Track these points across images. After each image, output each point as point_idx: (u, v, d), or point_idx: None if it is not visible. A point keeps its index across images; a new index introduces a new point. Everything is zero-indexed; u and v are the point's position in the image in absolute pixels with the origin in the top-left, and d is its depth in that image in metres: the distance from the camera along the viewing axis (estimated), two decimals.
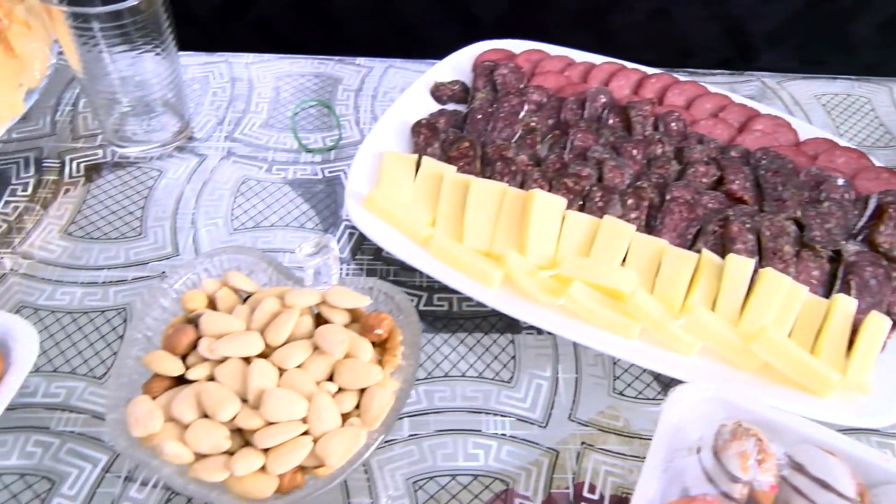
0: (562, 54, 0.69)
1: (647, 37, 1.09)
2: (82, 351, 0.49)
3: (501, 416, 0.47)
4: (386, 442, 0.45)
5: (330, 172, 0.61)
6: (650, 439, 0.44)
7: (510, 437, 0.46)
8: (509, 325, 0.51)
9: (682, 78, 0.66)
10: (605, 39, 1.03)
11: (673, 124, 0.62)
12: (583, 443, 0.45)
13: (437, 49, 0.98)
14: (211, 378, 0.42)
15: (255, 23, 0.91)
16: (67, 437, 0.44)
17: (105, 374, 0.47)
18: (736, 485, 0.37)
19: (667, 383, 0.49)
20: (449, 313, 0.52)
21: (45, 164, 0.60)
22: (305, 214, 0.58)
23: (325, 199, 0.59)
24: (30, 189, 0.58)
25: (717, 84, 0.66)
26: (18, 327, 0.44)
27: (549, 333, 0.51)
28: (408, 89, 0.64)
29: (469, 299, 0.53)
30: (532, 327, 0.51)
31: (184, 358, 0.43)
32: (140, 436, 0.39)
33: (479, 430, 0.46)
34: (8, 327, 0.44)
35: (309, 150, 0.63)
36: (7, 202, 0.57)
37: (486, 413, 0.47)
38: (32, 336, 0.44)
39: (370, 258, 0.55)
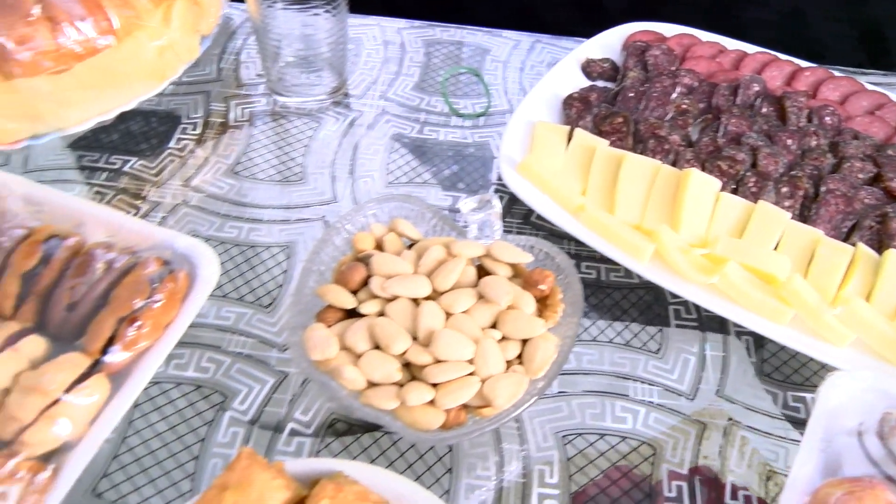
0: (713, 41, 0.69)
1: (778, 35, 1.06)
2: (249, 281, 0.51)
3: (649, 384, 0.47)
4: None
5: (479, 137, 0.62)
6: (797, 421, 0.44)
7: (657, 404, 0.46)
8: (656, 299, 0.52)
9: (836, 73, 0.65)
10: (734, 35, 1.02)
11: (827, 118, 0.61)
12: (730, 419, 0.46)
13: (560, 31, 0.99)
14: (381, 314, 0.44)
15: None
16: (237, 358, 0.47)
17: (271, 304, 0.50)
18: None
19: (815, 371, 0.48)
20: (597, 281, 0.53)
21: (212, 108, 0.63)
22: (456, 175, 0.59)
23: (475, 161, 0.60)
24: (199, 129, 0.61)
25: (870, 84, 0.64)
26: (203, 251, 0.46)
27: (696, 310, 0.51)
28: (559, 63, 0.65)
29: (616, 269, 0.53)
30: (677, 303, 0.51)
31: (353, 293, 0.45)
32: (317, 359, 0.42)
33: (627, 395, 0.47)
34: (194, 251, 0.46)
35: (459, 115, 0.64)
36: (179, 139, 0.60)
37: (634, 380, 0.47)
38: (215, 261, 0.46)
39: (519, 222, 0.56)
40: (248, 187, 0.57)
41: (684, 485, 0.43)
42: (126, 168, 0.58)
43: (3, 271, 0.44)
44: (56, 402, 0.39)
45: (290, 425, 0.44)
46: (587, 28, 0.85)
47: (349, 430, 0.45)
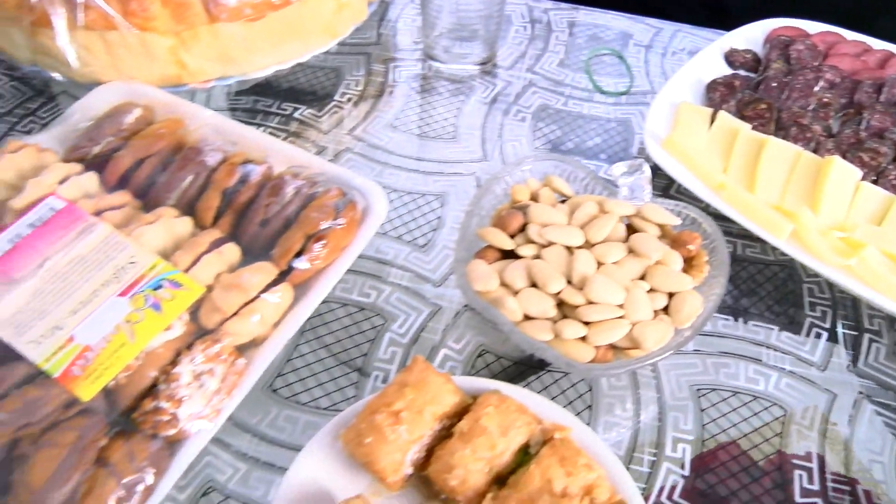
0: (857, 39, 0.70)
1: None
2: (406, 223, 0.56)
3: (782, 352, 0.49)
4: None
5: (622, 114, 0.65)
6: None
7: (789, 371, 0.48)
8: (790, 276, 0.54)
9: None
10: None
11: None
12: (860, 392, 0.48)
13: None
14: (536, 257, 0.48)
15: None
16: (396, 288, 0.52)
17: (426, 244, 0.54)
18: None
19: None
20: (734, 255, 0.55)
21: (372, 68, 0.68)
22: (598, 146, 0.62)
23: (616, 136, 0.64)
24: (360, 86, 0.66)
25: None
26: (374, 189, 0.51)
27: (829, 289, 0.53)
28: (703, 50, 0.67)
29: (752, 246, 0.55)
30: (811, 282, 0.53)
31: (510, 237, 0.49)
32: (479, 290, 0.46)
33: (760, 360, 0.49)
34: (367, 188, 0.51)
35: (603, 92, 0.67)
36: (342, 93, 0.65)
37: (767, 347, 0.50)
38: (384, 198, 0.51)
39: (657, 193, 0.59)
40: (405, 140, 0.62)
41: (813, 446, 0.45)
42: (296, 115, 0.63)
43: (207, 186, 0.49)
44: (253, 299, 0.44)
45: (444, 351, 0.48)
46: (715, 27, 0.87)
47: (496, 361, 0.48)
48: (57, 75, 0.59)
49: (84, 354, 0.40)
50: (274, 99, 0.64)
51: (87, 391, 0.39)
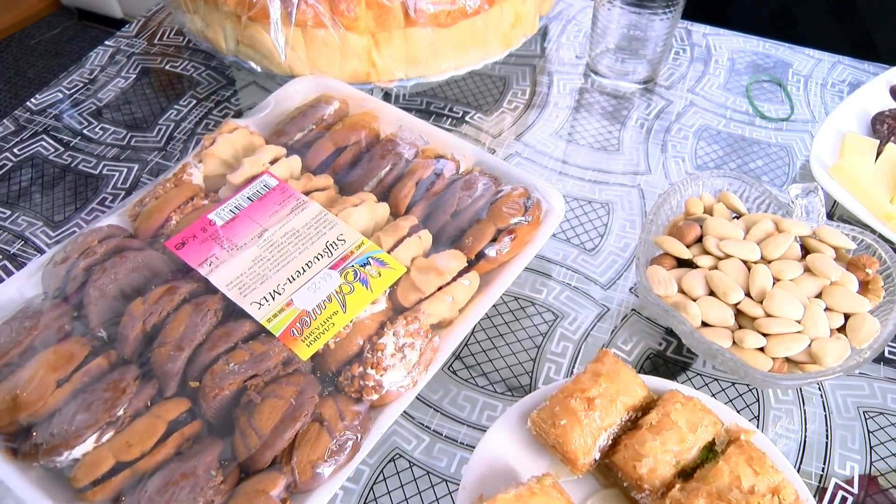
0: None
1: None
2: (574, 227, 0.58)
3: None
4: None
5: (783, 139, 0.66)
6: None
7: None
8: None
9: None
10: None
11: None
12: None
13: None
14: (713, 268, 0.49)
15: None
16: (566, 287, 0.54)
17: (594, 248, 0.57)
18: None
19: None
20: None
21: (538, 78, 0.71)
22: (760, 169, 0.64)
23: (778, 160, 0.65)
24: (527, 95, 0.70)
25: None
26: (554, 193, 0.53)
27: None
28: (869, 82, 0.68)
29: None
30: None
31: (688, 246, 0.51)
32: (660, 294, 0.48)
33: None
34: (547, 191, 0.54)
35: (764, 117, 0.68)
36: (510, 101, 0.69)
37: None
38: (561, 201, 0.53)
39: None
40: (571, 149, 0.64)
41: None
42: (467, 118, 0.67)
43: (402, 176, 0.53)
44: (448, 283, 0.47)
45: (613, 350, 0.51)
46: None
47: (664, 366, 0.50)
48: (255, 66, 0.64)
49: (302, 318, 0.44)
50: (445, 102, 0.68)
51: (305, 351, 0.43)
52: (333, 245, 0.48)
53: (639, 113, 0.68)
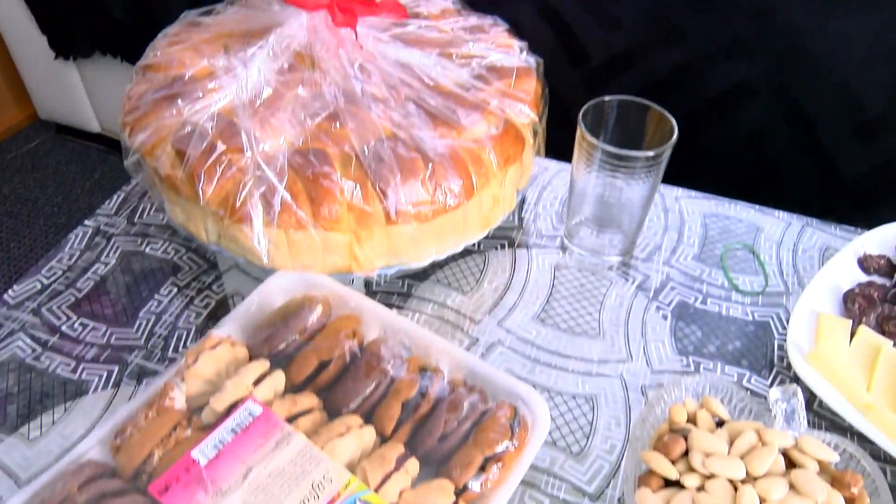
0: None
1: None
2: (559, 427, 0.58)
3: None
4: None
5: (759, 316, 0.68)
6: None
7: None
8: None
9: None
10: None
11: None
12: None
13: (797, 199, 1.07)
14: (700, 488, 0.49)
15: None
16: (555, 500, 0.54)
17: (580, 452, 0.57)
18: None
19: None
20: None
21: (516, 254, 0.72)
22: (739, 351, 0.65)
23: (756, 340, 0.66)
24: (506, 273, 0.70)
25: None
26: (539, 402, 0.54)
27: None
28: (837, 254, 0.69)
29: None
30: None
31: (673, 462, 0.51)
32: None
33: None
34: (532, 399, 0.54)
35: (739, 291, 0.70)
36: (490, 280, 0.70)
37: None
38: (546, 412, 0.54)
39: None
40: (552, 335, 0.65)
41: None
42: (448, 302, 0.68)
43: (387, 394, 0.53)
44: None
45: None
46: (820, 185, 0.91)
47: None
48: (240, 259, 0.64)
49: None
50: (425, 282, 0.69)
51: None
52: (320, 486, 0.47)
53: (617, 291, 0.69)
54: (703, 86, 1.23)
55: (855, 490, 0.49)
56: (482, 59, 0.72)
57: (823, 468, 0.51)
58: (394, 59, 0.69)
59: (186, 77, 0.66)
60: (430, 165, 0.61)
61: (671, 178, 1.08)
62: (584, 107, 0.66)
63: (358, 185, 0.60)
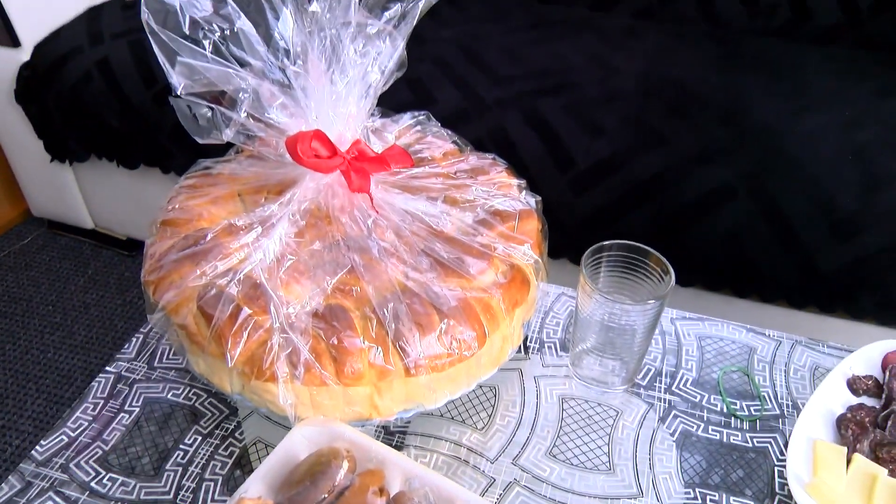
0: None
1: None
2: None
3: None
4: None
5: (758, 443, 0.71)
6: None
7: None
8: None
9: None
10: None
11: None
12: None
13: (779, 293, 1.12)
14: None
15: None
16: None
17: None
18: None
19: None
20: None
21: (525, 386, 0.76)
22: (742, 481, 0.68)
23: (757, 468, 0.69)
24: (517, 408, 0.74)
25: None
26: None
27: None
28: (827, 378, 0.74)
29: None
30: None
31: None
32: None
33: None
34: None
35: (737, 417, 0.74)
36: (503, 415, 0.73)
37: None
38: None
39: None
40: (566, 472, 0.68)
41: None
42: (464, 440, 0.71)
43: None
44: None
45: None
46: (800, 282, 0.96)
47: None
48: (263, 410, 0.67)
49: None
50: (441, 420, 0.72)
51: None
52: None
53: (623, 422, 0.73)
54: (684, 187, 1.29)
55: None
56: (485, 203, 0.76)
57: None
58: (401, 209, 0.74)
59: (209, 237, 0.70)
60: (445, 320, 0.65)
61: None
62: (586, 253, 0.71)
63: (379, 347, 0.64)
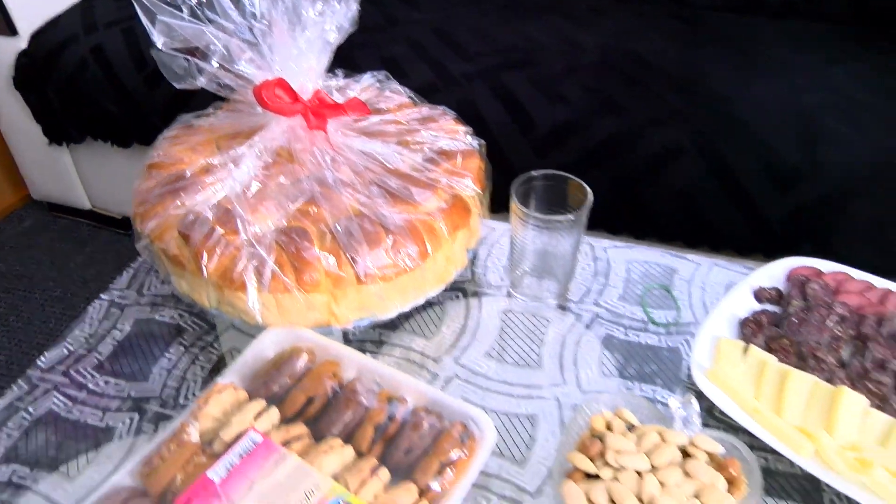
0: (863, 279, 0.86)
1: None
2: (506, 440, 0.72)
3: None
4: None
5: (672, 343, 0.82)
6: None
7: None
8: (814, 487, 0.68)
9: None
10: (885, 253, 1.19)
11: None
12: None
13: (728, 243, 1.23)
14: (614, 479, 0.63)
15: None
16: (502, 499, 0.67)
17: (521, 460, 0.70)
18: None
19: None
20: (766, 468, 0.69)
21: (469, 303, 0.86)
22: (654, 372, 0.78)
23: (669, 363, 0.79)
24: (462, 319, 0.84)
25: None
26: (487, 424, 0.67)
27: (847, 501, 0.66)
28: (734, 289, 0.84)
29: (782, 460, 0.70)
30: (832, 494, 0.67)
31: (592, 460, 0.64)
32: None
33: None
34: (480, 421, 0.67)
35: (655, 324, 0.84)
36: (448, 325, 0.83)
37: None
38: (493, 430, 0.67)
39: (703, 414, 0.74)
40: (499, 367, 0.79)
41: None
42: (413, 346, 0.81)
43: (363, 421, 0.66)
44: None
45: None
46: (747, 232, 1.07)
47: None
48: (236, 320, 0.78)
49: None
50: (394, 331, 0.83)
51: None
52: (311, 492, 0.60)
53: (554, 329, 0.83)
54: (639, 149, 1.39)
55: (734, 472, 0.62)
56: (433, 144, 0.87)
57: (712, 458, 0.65)
58: (359, 150, 0.84)
59: (188, 174, 0.80)
60: (391, 236, 0.75)
61: (615, 231, 1.24)
62: (514, 181, 0.81)
63: (332, 256, 0.74)
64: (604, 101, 1.44)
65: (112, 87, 1.71)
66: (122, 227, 2.15)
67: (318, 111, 0.81)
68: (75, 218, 2.23)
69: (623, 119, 1.42)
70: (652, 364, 0.79)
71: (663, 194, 1.41)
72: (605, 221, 1.43)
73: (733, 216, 1.38)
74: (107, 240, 2.17)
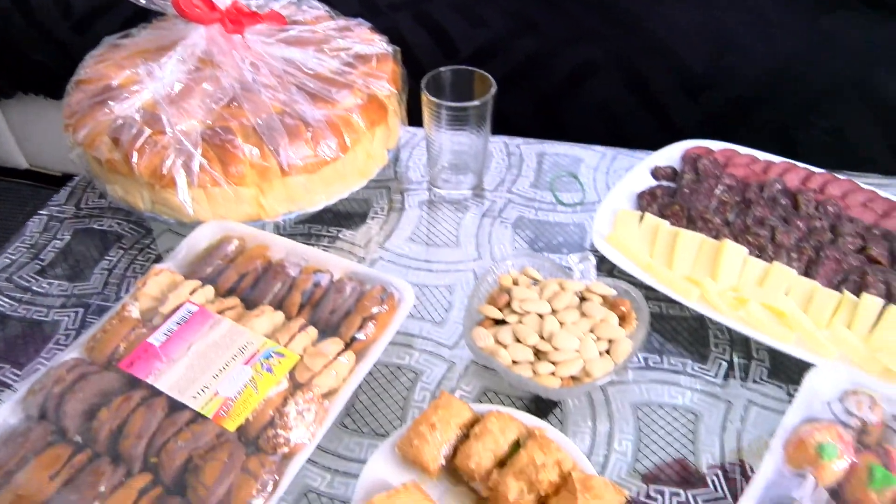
0: (749, 154, 0.95)
1: (823, 148, 1.32)
2: (426, 306, 0.78)
3: (694, 377, 0.71)
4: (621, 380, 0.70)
5: (577, 220, 0.89)
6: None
7: (700, 389, 0.70)
8: (700, 325, 0.76)
9: (840, 177, 0.90)
10: (786, 149, 1.29)
11: (830, 207, 0.85)
12: (748, 400, 0.69)
13: (641, 143, 1.31)
14: (519, 322, 0.70)
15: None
16: (422, 353, 0.74)
17: (441, 321, 0.77)
18: (852, 418, 0.60)
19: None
20: (660, 314, 0.77)
21: (392, 197, 0.93)
22: (561, 244, 0.86)
23: (574, 235, 0.87)
24: (385, 211, 0.91)
25: (869, 184, 0.88)
26: (405, 287, 0.73)
27: (728, 333, 0.75)
28: (634, 167, 0.92)
29: (673, 306, 0.78)
30: (716, 329, 0.75)
31: (500, 310, 0.71)
32: (481, 346, 0.68)
33: (679, 384, 0.71)
34: (400, 285, 0.74)
35: (562, 204, 0.91)
36: (372, 217, 0.90)
37: (684, 374, 0.71)
38: (411, 292, 0.73)
39: (605, 275, 0.81)
40: (420, 249, 0.85)
41: (716, 439, 0.66)
42: (339, 235, 0.87)
43: (291, 289, 0.72)
44: (331, 362, 0.66)
45: (458, 392, 0.70)
46: (661, 138, 1.16)
47: (495, 399, 0.70)
48: (170, 219, 0.83)
49: (227, 402, 0.62)
50: (322, 224, 0.88)
51: (231, 425, 0.61)
52: (244, 347, 0.66)
53: (471, 213, 0.90)
54: (558, 67, 1.46)
55: (624, 309, 0.70)
56: (349, 50, 0.92)
57: (606, 300, 0.72)
58: (279, 57, 0.89)
59: (114, 85, 0.84)
60: (311, 130, 0.81)
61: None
62: (425, 76, 0.87)
63: (256, 148, 0.79)
64: (521, 23, 1.49)
65: (39, 36, 1.71)
66: (63, 184, 2.15)
67: (236, 18, 0.86)
68: (13, 179, 2.22)
69: (541, 39, 1.48)
70: (559, 237, 0.87)
71: (582, 108, 1.48)
72: (527, 136, 1.49)
73: (649, 125, 1.46)
74: (47, 197, 2.16)
